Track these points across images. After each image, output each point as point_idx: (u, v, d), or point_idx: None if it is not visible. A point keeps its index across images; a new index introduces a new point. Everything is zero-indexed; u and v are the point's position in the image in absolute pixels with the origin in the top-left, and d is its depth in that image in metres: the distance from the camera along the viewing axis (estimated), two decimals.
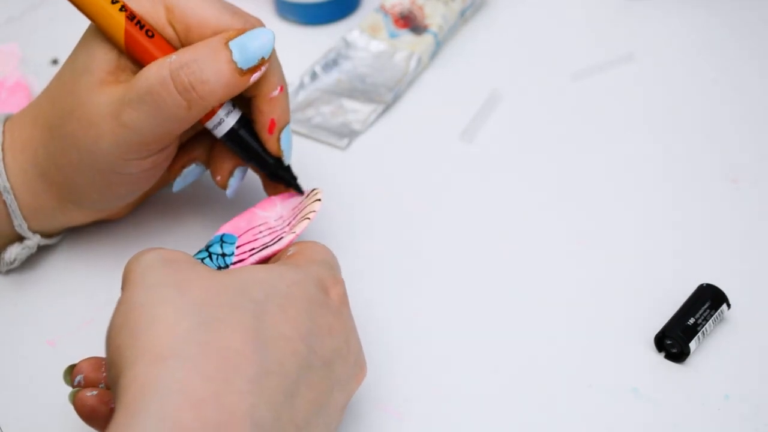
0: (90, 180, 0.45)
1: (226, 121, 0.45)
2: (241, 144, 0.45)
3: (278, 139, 0.45)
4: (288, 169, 0.47)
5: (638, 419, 0.42)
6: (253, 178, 0.51)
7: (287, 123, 0.46)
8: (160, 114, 0.41)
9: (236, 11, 0.44)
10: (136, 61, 0.43)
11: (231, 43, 0.42)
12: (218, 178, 0.48)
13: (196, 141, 0.48)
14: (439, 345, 0.45)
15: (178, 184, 0.49)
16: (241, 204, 0.51)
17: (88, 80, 0.43)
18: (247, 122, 0.45)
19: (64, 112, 0.44)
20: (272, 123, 0.45)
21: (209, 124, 0.45)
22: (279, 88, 0.44)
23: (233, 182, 0.48)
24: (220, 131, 0.45)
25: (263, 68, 0.43)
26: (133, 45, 0.42)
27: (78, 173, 0.45)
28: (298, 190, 0.47)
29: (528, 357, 0.45)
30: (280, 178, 0.47)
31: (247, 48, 0.42)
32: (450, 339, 0.46)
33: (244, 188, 0.53)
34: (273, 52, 0.44)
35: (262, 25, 0.44)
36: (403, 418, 0.43)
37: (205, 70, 0.41)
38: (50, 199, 0.46)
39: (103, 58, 0.43)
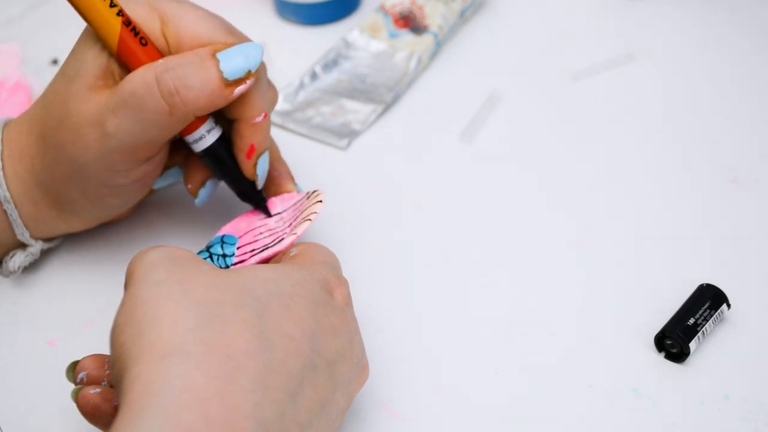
0: (82, 192, 0.45)
1: (207, 137, 0.44)
2: (217, 162, 0.45)
3: (255, 165, 0.45)
4: (260, 192, 0.47)
5: (638, 419, 0.42)
6: None
7: (266, 149, 0.45)
8: (142, 119, 0.41)
9: (232, 30, 0.44)
10: (126, 67, 0.42)
11: (219, 54, 0.42)
12: (189, 186, 0.48)
13: (177, 144, 0.48)
14: (440, 345, 0.45)
15: (158, 183, 0.49)
16: (241, 205, 0.51)
17: (77, 86, 0.42)
18: (226, 142, 0.45)
19: (55, 121, 0.43)
20: (251, 148, 0.45)
21: (189, 138, 0.44)
22: (263, 114, 0.44)
23: (203, 193, 0.48)
24: (199, 147, 0.45)
25: (249, 82, 0.42)
26: (125, 51, 0.42)
27: (70, 185, 0.45)
28: (267, 213, 0.47)
29: (528, 357, 0.45)
30: (250, 199, 0.47)
31: (234, 59, 0.42)
32: (450, 339, 0.46)
33: None
34: (262, 78, 0.44)
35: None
36: (403, 418, 0.43)
37: (190, 76, 0.41)
38: (49, 209, 0.46)
39: (93, 62, 0.42)
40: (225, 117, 0.45)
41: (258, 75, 0.43)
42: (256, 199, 0.47)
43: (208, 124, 0.44)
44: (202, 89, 0.41)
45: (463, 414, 0.43)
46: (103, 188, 0.45)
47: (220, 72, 0.41)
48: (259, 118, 0.44)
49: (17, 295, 0.49)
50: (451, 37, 0.65)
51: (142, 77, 0.41)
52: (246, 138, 0.44)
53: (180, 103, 0.41)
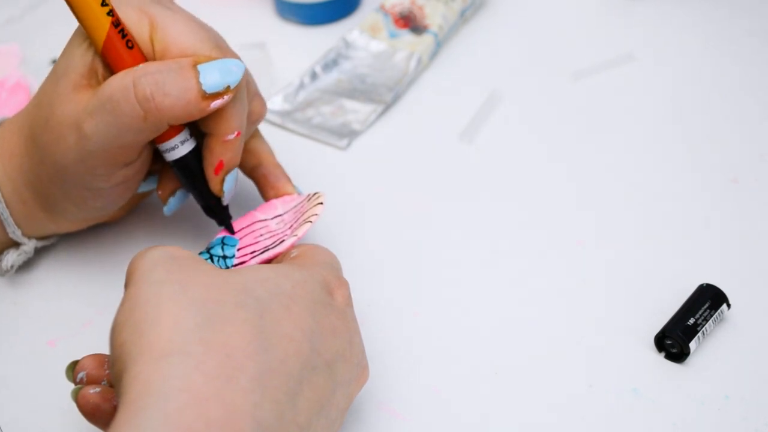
0: (65, 194, 0.45)
1: (180, 148, 0.44)
2: (186, 174, 0.45)
3: (222, 181, 0.45)
4: (225, 208, 0.47)
5: (638, 419, 0.42)
6: (250, 182, 0.51)
7: (235, 166, 0.45)
8: (118, 122, 0.41)
9: (219, 45, 0.43)
10: (110, 67, 0.42)
11: (200, 66, 0.41)
12: (159, 192, 0.47)
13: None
14: (439, 345, 0.45)
15: (142, 187, 0.49)
16: (241, 207, 0.51)
17: (63, 85, 0.42)
18: (199, 155, 0.45)
19: (43, 120, 0.43)
20: (220, 164, 0.44)
21: (162, 147, 0.44)
22: (236, 132, 0.44)
23: (173, 202, 0.47)
24: (171, 156, 0.44)
25: (226, 97, 0.42)
26: (110, 51, 0.41)
27: (53, 186, 0.45)
28: (230, 230, 0.47)
29: (528, 357, 0.45)
30: (215, 215, 0.47)
31: (214, 73, 0.41)
32: (450, 339, 0.46)
33: (244, 191, 0.52)
34: (241, 96, 0.44)
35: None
36: (403, 418, 0.43)
37: (168, 84, 0.40)
38: (37, 209, 0.46)
39: (80, 60, 0.42)
40: (198, 130, 0.45)
41: (237, 92, 0.43)
42: (221, 215, 0.46)
43: (183, 135, 0.44)
44: (178, 98, 0.41)
45: (463, 414, 0.43)
46: (85, 191, 0.45)
47: (199, 84, 0.41)
48: (232, 136, 0.44)
49: (17, 296, 0.49)
50: (451, 37, 0.65)
51: (120, 81, 0.41)
52: (216, 153, 0.44)
53: (154, 109, 0.41)
